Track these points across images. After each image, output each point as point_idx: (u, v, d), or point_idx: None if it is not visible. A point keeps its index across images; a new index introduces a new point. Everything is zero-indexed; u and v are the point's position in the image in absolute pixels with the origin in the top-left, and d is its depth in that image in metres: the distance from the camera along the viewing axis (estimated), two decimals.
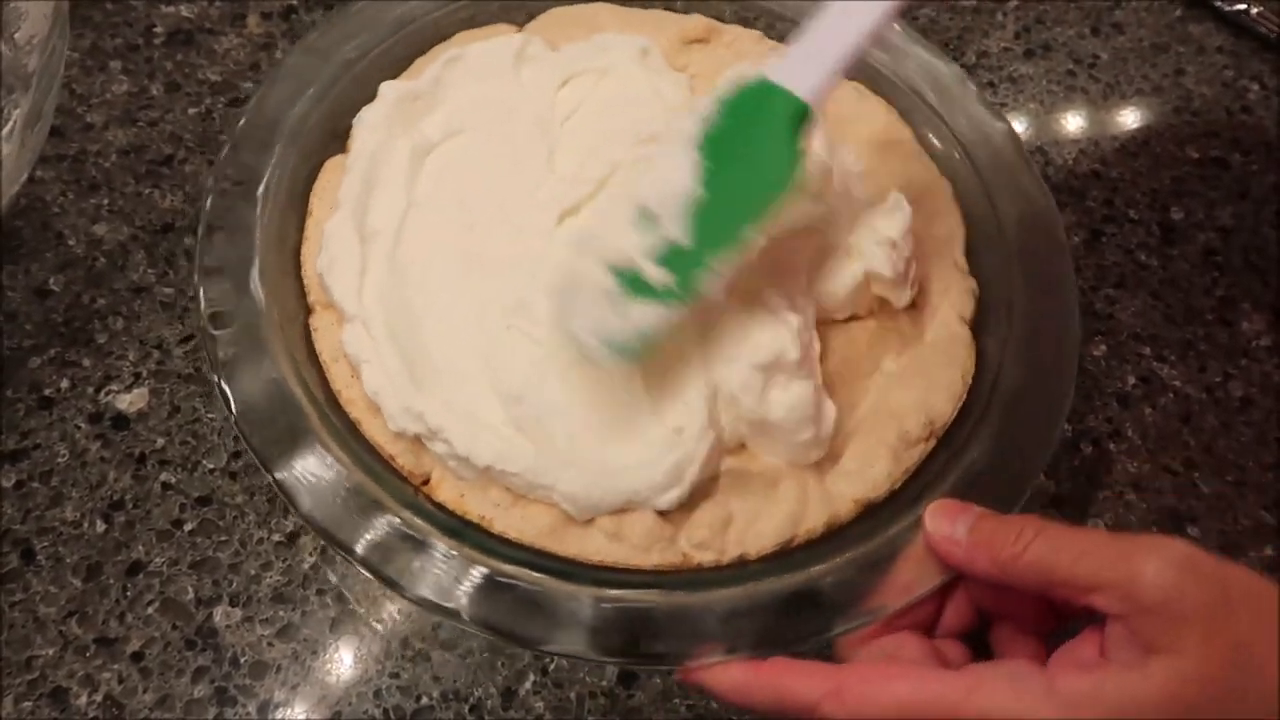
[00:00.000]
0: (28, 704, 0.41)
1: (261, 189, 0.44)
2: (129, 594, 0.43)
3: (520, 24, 0.53)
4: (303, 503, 0.36)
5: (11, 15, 0.42)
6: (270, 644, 0.43)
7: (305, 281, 0.44)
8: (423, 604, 0.35)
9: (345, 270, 0.42)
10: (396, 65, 0.50)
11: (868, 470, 0.40)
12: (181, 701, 0.41)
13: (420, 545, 0.36)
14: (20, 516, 0.45)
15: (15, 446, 0.46)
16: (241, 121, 0.46)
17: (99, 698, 0.41)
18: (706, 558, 0.38)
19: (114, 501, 0.46)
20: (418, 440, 0.39)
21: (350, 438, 0.39)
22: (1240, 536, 0.49)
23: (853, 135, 0.50)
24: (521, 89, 0.48)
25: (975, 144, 0.49)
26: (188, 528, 0.45)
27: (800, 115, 0.38)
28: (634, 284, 0.37)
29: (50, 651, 0.42)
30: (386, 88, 0.47)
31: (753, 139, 0.38)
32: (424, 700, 0.42)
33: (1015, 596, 0.35)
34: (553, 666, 0.43)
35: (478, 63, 0.49)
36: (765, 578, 0.36)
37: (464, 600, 0.35)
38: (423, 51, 0.51)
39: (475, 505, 0.39)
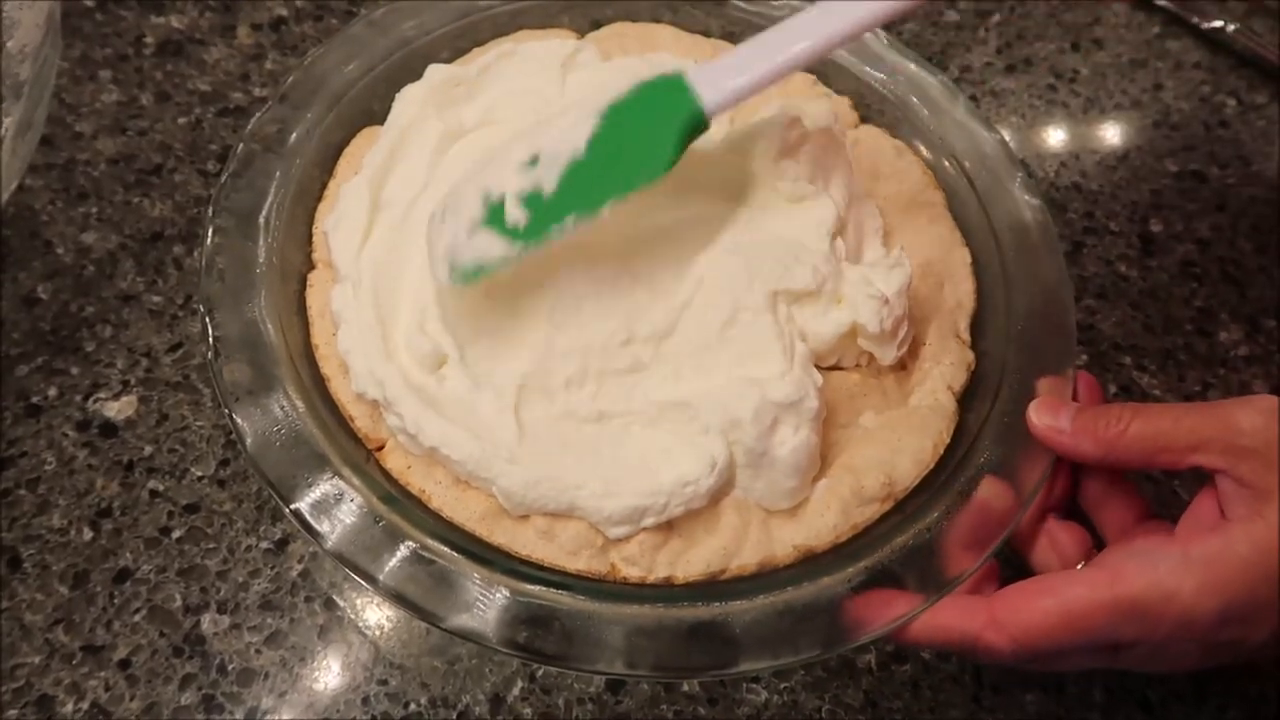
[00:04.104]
0: (14, 712, 0.40)
1: (292, 142, 0.46)
2: (116, 601, 0.43)
3: (583, 32, 0.54)
4: (249, 446, 0.37)
5: (4, 25, 0.43)
6: (258, 651, 0.43)
7: (314, 239, 0.45)
8: (339, 559, 0.36)
9: (350, 231, 0.43)
10: (452, 50, 0.52)
11: (815, 519, 0.40)
12: (169, 709, 0.41)
13: (357, 508, 0.37)
14: (7, 524, 0.45)
15: (3, 454, 0.46)
16: (290, 78, 0.47)
17: (85, 705, 0.41)
18: (633, 573, 0.38)
19: (101, 509, 0.46)
20: (377, 406, 0.40)
21: (314, 391, 0.40)
22: None
23: (883, 191, 0.50)
24: (563, 93, 0.49)
25: (1006, 222, 0.48)
26: (175, 535, 0.45)
27: (696, 122, 0.39)
28: (494, 216, 0.38)
29: (37, 659, 0.42)
30: (433, 69, 0.48)
31: (646, 124, 0.40)
32: (412, 707, 0.42)
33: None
34: (540, 673, 0.43)
35: (527, 61, 0.50)
36: (682, 603, 0.36)
37: (383, 567, 0.36)
38: (480, 43, 0.53)
39: (418, 479, 0.39)
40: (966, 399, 0.44)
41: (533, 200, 0.38)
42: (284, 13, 0.65)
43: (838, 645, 0.36)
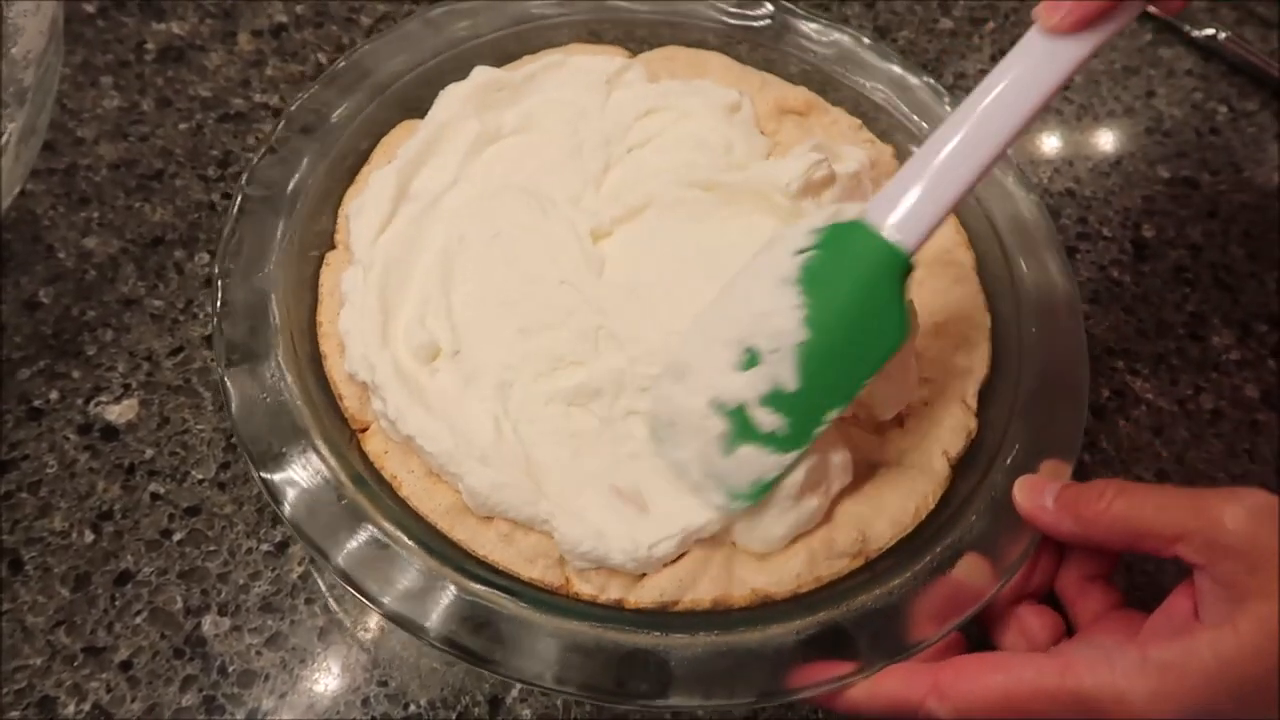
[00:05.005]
0: (15, 714, 0.41)
1: (331, 124, 0.47)
2: (117, 603, 0.44)
3: (634, 51, 0.54)
4: (234, 409, 0.38)
5: (8, 31, 0.43)
6: (258, 653, 0.43)
7: (339, 221, 0.46)
8: (297, 530, 0.36)
9: (371, 218, 0.44)
10: (502, 56, 0.52)
11: (780, 565, 0.39)
12: (170, 710, 0.41)
13: (325, 483, 0.37)
14: (9, 527, 0.45)
15: (4, 457, 0.47)
16: (340, 63, 0.48)
17: (87, 707, 0.41)
18: (585, 590, 0.38)
19: (103, 512, 0.46)
20: (366, 388, 0.41)
21: (309, 366, 0.41)
22: None
23: None
24: (604, 108, 0.50)
25: (1034, 292, 0.47)
26: (176, 538, 0.46)
27: (904, 269, 0.37)
28: (743, 428, 0.37)
29: (38, 661, 0.42)
30: (479, 71, 0.49)
31: (856, 286, 0.37)
32: (412, 708, 0.42)
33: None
34: None
35: (574, 73, 0.51)
36: (624, 627, 0.36)
37: (341, 545, 0.36)
38: (533, 51, 0.53)
39: (392, 465, 0.40)
40: (961, 466, 0.43)
41: (778, 400, 0.36)
42: (284, 19, 0.65)
43: (773, 697, 0.35)
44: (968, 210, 0.50)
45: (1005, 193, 0.50)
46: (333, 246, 0.46)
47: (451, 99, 0.48)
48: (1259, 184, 0.66)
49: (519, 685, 0.43)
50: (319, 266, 0.45)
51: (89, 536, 0.45)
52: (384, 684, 0.43)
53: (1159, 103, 0.70)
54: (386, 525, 0.37)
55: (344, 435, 0.40)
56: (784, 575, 0.39)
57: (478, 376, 0.41)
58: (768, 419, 0.36)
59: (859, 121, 0.53)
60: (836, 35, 0.55)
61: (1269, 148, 0.68)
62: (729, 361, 0.37)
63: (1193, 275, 0.61)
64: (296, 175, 0.45)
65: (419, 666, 0.43)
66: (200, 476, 0.47)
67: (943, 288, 0.48)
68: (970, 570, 0.38)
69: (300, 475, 0.37)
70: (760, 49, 0.55)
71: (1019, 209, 0.49)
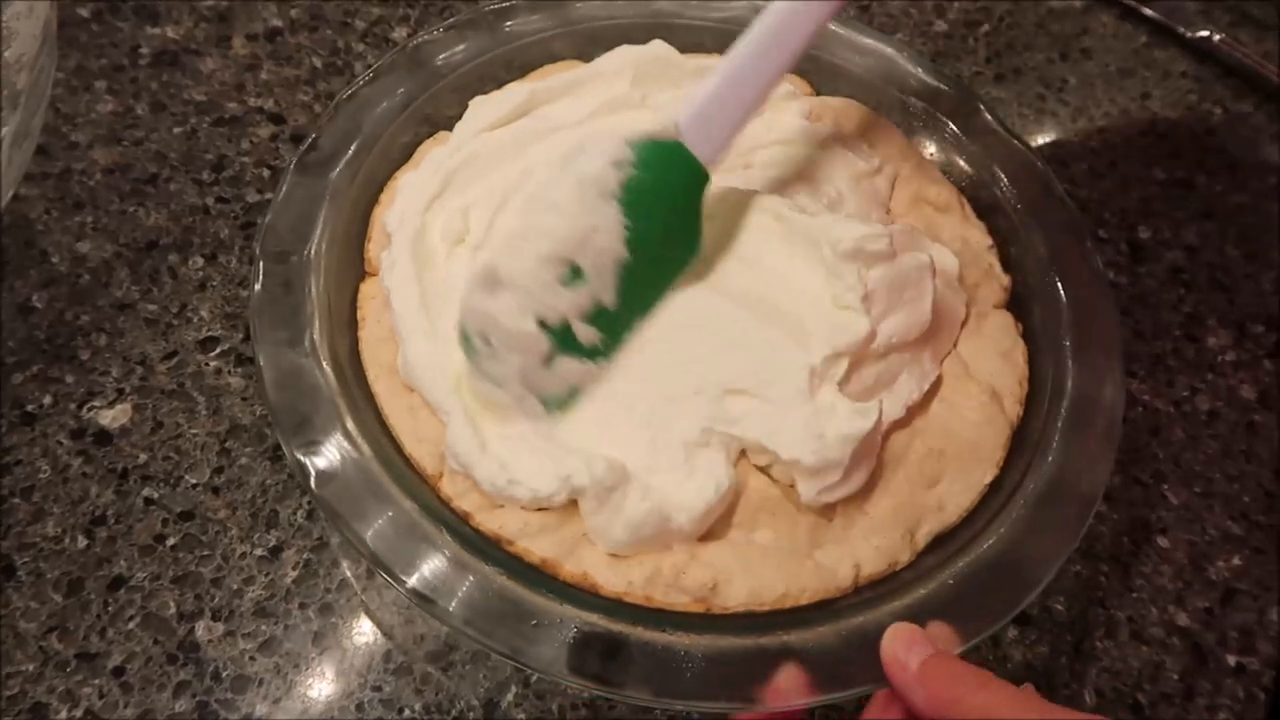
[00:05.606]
0: None
1: (443, 60, 0.51)
2: (110, 609, 0.43)
3: (819, 92, 0.54)
4: (278, 200, 0.43)
5: (2, 35, 0.43)
6: (252, 658, 0.43)
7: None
8: (252, 313, 0.40)
9: (487, 115, 0.49)
10: (705, 48, 0.53)
11: (625, 566, 0.37)
12: (163, 716, 0.41)
13: (297, 290, 0.41)
14: (2, 532, 0.45)
15: None
16: (464, 14, 0.53)
17: (79, 713, 0.41)
18: (448, 489, 0.39)
19: (96, 517, 0.46)
20: (389, 241, 0.44)
21: (357, 207, 0.46)
22: (1208, 546, 0.50)
23: (974, 371, 0.44)
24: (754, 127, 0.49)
25: (1049, 470, 0.41)
26: (170, 543, 0.45)
27: (704, 184, 0.40)
28: (565, 341, 0.38)
29: (30, 667, 0.42)
30: (657, 43, 0.51)
31: (671, 207, 0.40)
32: (406, 713, 0.42)
33: None
34: (534, 679, 0.44)
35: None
36: (449, 533, 0.36)
37: (272, 340, 0.39)
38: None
39: (368, 309, 0.43)
40: (867, 587, 0.39)
41: (599, 317, 0.39)
42: (279, 24, 0.65)
43: (521, 656, 0.34)
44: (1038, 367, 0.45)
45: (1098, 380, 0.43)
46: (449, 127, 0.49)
47: (619, 56, 0.50)
48: (1254, 185, 0.66)
49: (513, 690, 0.43)
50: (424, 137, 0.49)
51: (82, 542, 0.45)
52: (378, 689, 0.43)
53: (1154, 104, 0.70)
54: (320, 346, 0.40)
55: (352, 272, 0.44)
56: (618, 577, 0.37)
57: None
58: (587, 334, 0.38)
59: (991, 243, 0.49)
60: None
61: (1264, 149, 0.68)
62: (554, 277, 0.37)
63: (1189, 276, 0.61)
64: (399, 89, 0.49)
65: (414, 671, 0.43)
66: (194, 481, 0.47)
67: (969, 421, 0.43)
68: (789, 677, 0.34)
69: (288, 279, 0.41)
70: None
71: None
